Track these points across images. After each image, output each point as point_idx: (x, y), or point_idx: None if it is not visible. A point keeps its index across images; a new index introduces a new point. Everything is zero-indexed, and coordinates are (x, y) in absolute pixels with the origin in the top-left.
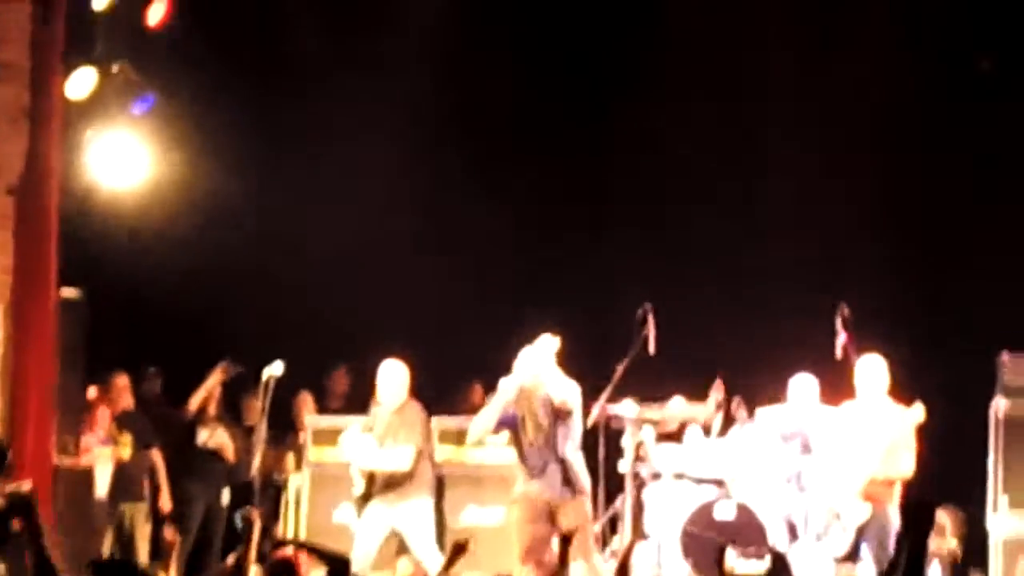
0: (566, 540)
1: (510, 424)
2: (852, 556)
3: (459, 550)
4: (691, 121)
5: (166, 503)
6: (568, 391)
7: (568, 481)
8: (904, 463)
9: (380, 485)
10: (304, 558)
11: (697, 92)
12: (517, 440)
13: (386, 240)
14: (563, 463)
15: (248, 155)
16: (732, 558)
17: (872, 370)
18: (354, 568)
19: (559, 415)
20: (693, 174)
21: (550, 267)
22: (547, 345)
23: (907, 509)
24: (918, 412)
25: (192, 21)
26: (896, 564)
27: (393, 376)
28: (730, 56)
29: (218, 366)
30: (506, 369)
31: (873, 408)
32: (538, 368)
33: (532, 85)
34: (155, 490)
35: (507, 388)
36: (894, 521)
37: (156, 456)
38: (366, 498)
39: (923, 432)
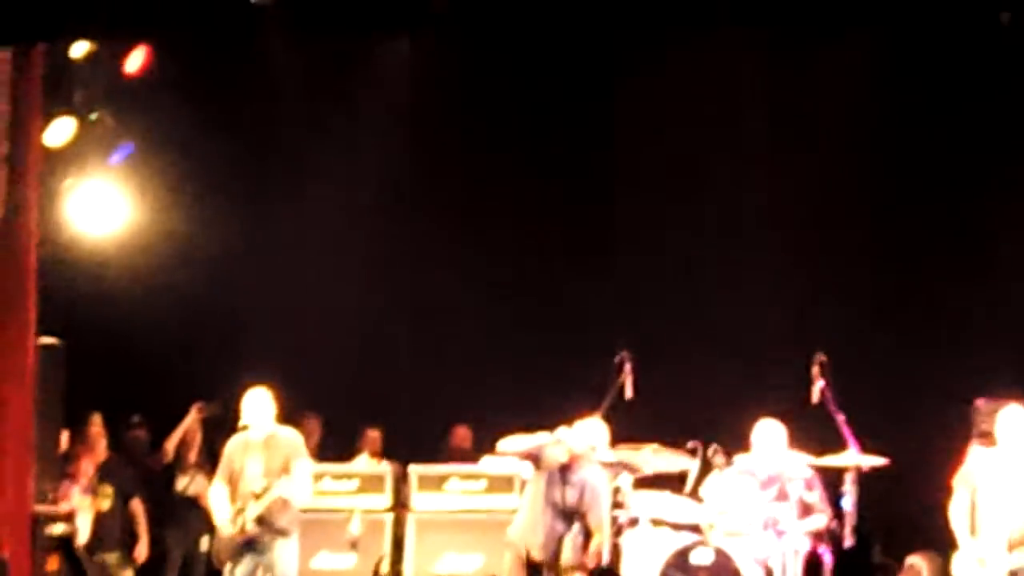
0: None
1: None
2: None
3: None
4: (667, 171)
5: (142, 553)
6: (596, 484)
7: (573, 547)
8: None
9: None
10: None
11: (675, 140)
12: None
13: (360, 288)
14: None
15: (225, 203)
16: None
17: (1017, 420)
18: None
19: (581, 501)
20: (670, 222)
21: (527, 316)
22: (593, 431)
23: None
24: None
25: (170, 70)
26: None
27: (262, 403)
28: (705, 113)
29: (193, 407)
30: (484, 417)
31: (1017, 457)
32: (576, 448)
33: (503, 127)
34: (134, 539)
35: (549, 446)
36: None
37: (137, 506)
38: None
39: (909, 479)
